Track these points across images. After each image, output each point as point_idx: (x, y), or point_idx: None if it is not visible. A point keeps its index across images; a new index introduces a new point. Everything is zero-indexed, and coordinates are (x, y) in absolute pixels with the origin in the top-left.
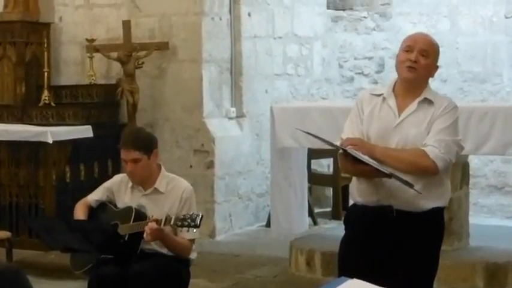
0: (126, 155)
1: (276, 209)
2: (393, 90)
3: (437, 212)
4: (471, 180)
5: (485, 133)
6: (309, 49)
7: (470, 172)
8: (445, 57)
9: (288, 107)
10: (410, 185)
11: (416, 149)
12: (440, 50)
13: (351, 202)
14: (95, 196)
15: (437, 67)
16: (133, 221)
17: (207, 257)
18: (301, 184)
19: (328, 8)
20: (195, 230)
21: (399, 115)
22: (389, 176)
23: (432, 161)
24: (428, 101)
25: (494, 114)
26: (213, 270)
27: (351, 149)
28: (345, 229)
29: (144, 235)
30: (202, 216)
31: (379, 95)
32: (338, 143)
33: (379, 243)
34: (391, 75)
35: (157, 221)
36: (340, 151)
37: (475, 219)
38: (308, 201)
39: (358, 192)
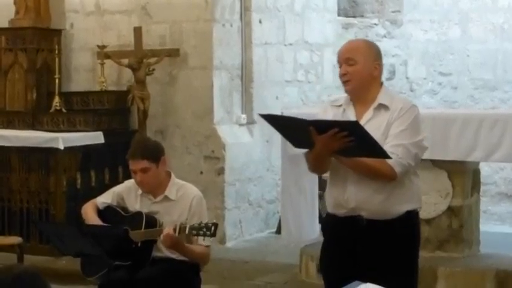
0: (134, 165)
1: (286, 215)
2: (351, 99)
3: (410, 216)
4: (481, 188)
5: (496, 141)
6: (319, 56)
7: (481, 179)
8: (455, 65)
9: (299, 113)
10: (379, 150)
11: None
12: (451, 57)
13: None
14: (104, 199)
15: (378, 65)
16: (144, 227)
17: (217, 263)
18: (311, 191)
19: (338, 15)
20: (211, 239)
21: None
22: (355, 123)
23: (389, 167)
24: (384, 106)
25: (505, 121)
26: (223, 277)
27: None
28: (323, 236)
29: (161, 238)
30: (217, 224)
31: (339, 106)
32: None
33: (354, 252)
34: (401, 82)
35: (172, 229)
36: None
37: (485, 227)
38: (318, 208)
39: (328, 203)
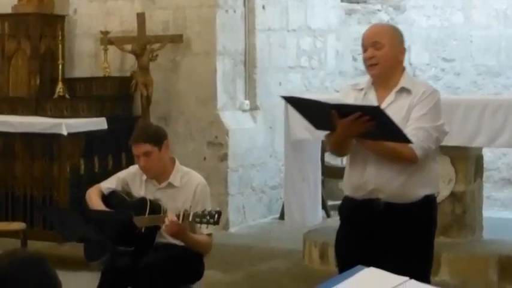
0: (137, 149)
1: (289, 201)
2: (372, 83)
3: (427, 201)
4: (484, 174)
5: (499, 126)
6: (322, 42)
7: (484, 165)
8: (458, 51)
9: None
10: (400, 135)
11: None
12: (454, 43)
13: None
14: (108, 184)
15: (403, 49)
16: (148, 213)
17: (221, 248)
18: (314, 177)
19: (342, 0)
20: (214, 227)
21: None
22: (377, 108)
23: (411, 150)
24: (406, 90)
25: (508, 107)
26: (226, 262)
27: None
28: (340, 219)
29: (163, 226)
30: (221, 212)
31: (361, 90)
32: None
33: (370, 236)
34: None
35: (176, 216)
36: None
37: (488, 213)
38: (321, 193)
39: (347, 186)
